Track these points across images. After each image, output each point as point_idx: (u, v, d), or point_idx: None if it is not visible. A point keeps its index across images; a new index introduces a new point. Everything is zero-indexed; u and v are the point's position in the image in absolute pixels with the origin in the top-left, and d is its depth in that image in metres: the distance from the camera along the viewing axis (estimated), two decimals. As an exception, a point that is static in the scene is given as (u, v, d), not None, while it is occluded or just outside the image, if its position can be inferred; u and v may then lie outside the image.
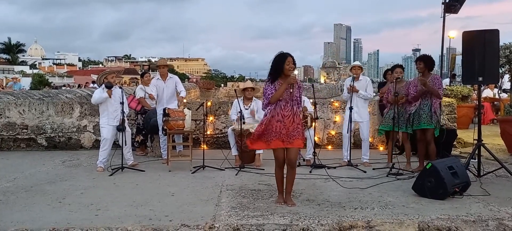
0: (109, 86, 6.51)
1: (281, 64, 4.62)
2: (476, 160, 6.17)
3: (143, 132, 8.13)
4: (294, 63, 4.71)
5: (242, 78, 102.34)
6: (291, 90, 4.63)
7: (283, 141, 4.61)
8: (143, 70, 10.02)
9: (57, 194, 5.20)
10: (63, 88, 23.14)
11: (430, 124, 6.30)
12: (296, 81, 4.69)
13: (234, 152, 7.05)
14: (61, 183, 5.80)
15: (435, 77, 6.43)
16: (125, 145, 6.60)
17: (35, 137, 8.75)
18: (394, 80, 6.82)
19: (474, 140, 6.31)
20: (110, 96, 6.51)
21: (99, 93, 6.58)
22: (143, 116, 8.01)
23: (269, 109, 4.68)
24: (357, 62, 7.52)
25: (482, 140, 6.20)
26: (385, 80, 8.54)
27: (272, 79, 4.66)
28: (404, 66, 7.62)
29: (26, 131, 8.74)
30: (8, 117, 8.72)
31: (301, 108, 4.91)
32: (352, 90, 6.87)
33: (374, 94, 8.68)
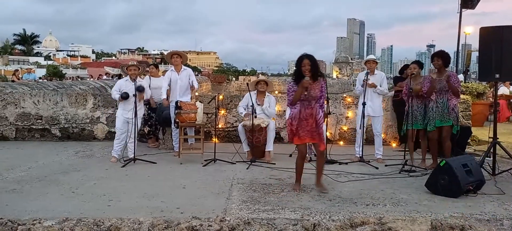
0: (125, 97, 6.62)
1: (298, 67, 4.99)
2: (491, 158, 6.07)
3: (149, 123, 8.14)
4: (312, 65, 4.93)
5: (254, 72, 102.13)
6: (306, 93, 4.94)
7: (311, 137, 5.04)
8: (155, 63, 10.03)
9: (70, 184, 5.26)
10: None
11: (448, 120, 6.20)
12: (309, 85, 4.92)
13: (245, 147, 7.00)
14: (74, 173, 5.86)
15: (452, 75, 6.32)
16: (130, 137, 6.64)
17: (49, 127, 8.85)
18: (409, 75, 6.71)
19: (489, 137, 6.21)
20: (121, 100, 6.68)
21: (115, 94, 6.76)
22: (147, 106, 7.96)
23: (295, 108, 5.03)
24: (371, 56, 7.38)
25: (498, 138, 6.11)
26: (399, 75, 8.44)
27: (295, 79, 5.01)
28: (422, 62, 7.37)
29: (40, 121, 8.84)
30: (23, 107, 8.83)
31: (323, 107, 5.28)
32: (366, 85, 6.78)
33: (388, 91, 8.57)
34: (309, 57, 4.96)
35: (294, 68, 5.12)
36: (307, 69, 4.89)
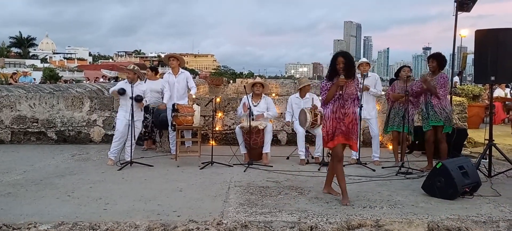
0: (121, 93, 6.65)
1: (333, 65, 4.80)
2: (487, 160, 6.10)
3: (144, 124, 8.12)
4: (347, 63, 4.73)
5: (251, 75, 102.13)
6: (341, 92, 4.75)
7: (345, 138, 4.80)
8: (152, 66, 10.04)
9: (66, 187, 5.24)
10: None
11: (439, 120, 6.25)
12: (344, 83, 4.74)
13: (242, 150, 7.01)
14: (70, 176, 5.84)
15: (441, 76, 6.36)
16: (128, 139, 6.62)
17: (45, 130, 8.82)
18: (404, 79, 6.74)
19: (485, 139, 6.23)
20: (115, 96, 6.87)
21: (112, 89, 6.93)
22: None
23: (327, 107, 4.84)
24: (364, 59, 7.42)
25: (493, 140, 6.13)
26: (395, 78, 8.46)
27: (328, 77, 4.86)
28: (410, 66, 7.57)
29: (36, 124, 8.81)
30: (19, 110, 8.80)
31: (357, 105, 5.06)
32: (363, 88, 6.80)
33: (383, 92, 8.61)
34: (344, 55, 4.80)
35: (329, 66, 4.90)
36: (341, 67, 4.70)
